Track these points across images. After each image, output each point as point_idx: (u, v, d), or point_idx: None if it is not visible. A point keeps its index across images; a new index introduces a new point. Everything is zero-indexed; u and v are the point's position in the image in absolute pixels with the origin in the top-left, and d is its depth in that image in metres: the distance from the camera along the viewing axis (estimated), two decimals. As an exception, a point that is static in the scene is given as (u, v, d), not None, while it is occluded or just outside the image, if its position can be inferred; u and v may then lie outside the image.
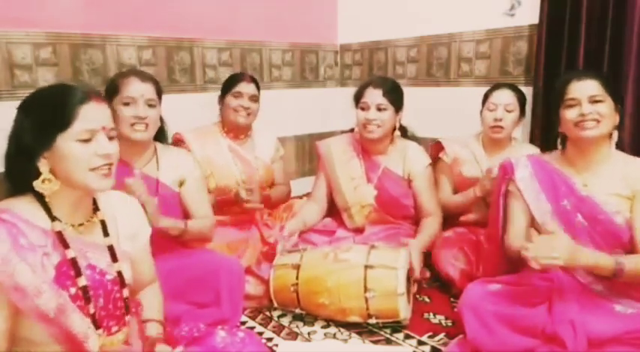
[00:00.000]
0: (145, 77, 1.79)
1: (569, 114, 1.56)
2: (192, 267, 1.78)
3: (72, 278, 1.09)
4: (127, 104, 1.72)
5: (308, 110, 3.56)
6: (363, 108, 2.21)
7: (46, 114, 1.09)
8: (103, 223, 1.21)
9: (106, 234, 1.20)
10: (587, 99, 1.54)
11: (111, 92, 1.76)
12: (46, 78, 2.37)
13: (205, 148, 2.27)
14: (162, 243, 1.77)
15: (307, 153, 3.63)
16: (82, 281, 1.10)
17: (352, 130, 2.38)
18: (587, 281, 1.56)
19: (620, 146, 1.64)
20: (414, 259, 1.93)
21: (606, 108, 1.54)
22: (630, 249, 1.53)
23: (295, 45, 3.44)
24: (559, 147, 1.70)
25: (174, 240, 1.82)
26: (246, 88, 2.29)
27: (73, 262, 1.10)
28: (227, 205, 2.24)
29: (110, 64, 2.56)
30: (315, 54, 3.59)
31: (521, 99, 2.28)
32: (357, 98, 2.25)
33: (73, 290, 1.09)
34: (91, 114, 1.10)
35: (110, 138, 1.14)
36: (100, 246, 1.19)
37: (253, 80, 2.35)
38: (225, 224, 2.21)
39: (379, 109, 2.18)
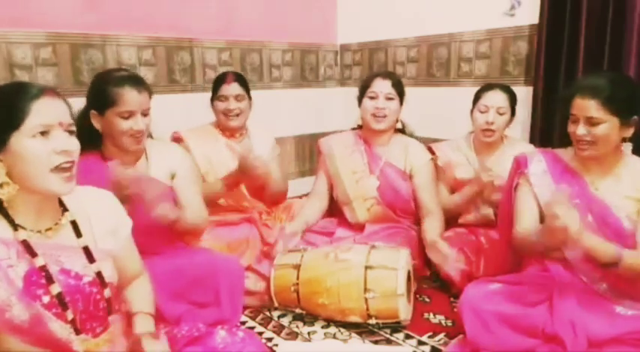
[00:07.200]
0: (140, 87, 1.67)
1: (570, 129, 1.56)
2: (192, 267, 1.78)
3: (44, 287, 1.04)
4: (124, 117, 1.64)
5: (308, 110, 3.56)
6: (371, 98, 2.23)
7: None
8: (73, 224, 1.14)
9: (78, 234, 1.14)
10: (584, 120, 1.50)
11: (105, 103, 1.63)
12: (46, 78, 2.37)
13: (203, 146, 2.27)
14: (162, 242, 1.78)
15: (307, 153, 3.62)
16: (56, 289, 1.05)
17: (353, 129, 2.39)
18: (590, 281, 1.55)
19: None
20: (442, 248, 1.97)
21: (606, 129, 1.48)
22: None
23: (295, 45, 3.43)
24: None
25: (173, 238, 1.83)
26: (228, 89, 2.25)
27: (43, 270, 1.04)
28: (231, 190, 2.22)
29: (110, 64, 2.56)
30: (315, 54, 3.58)
31: (513, 100, 2.27)
32: (364, 88, 2.27)
33: (46, 298, 1.04)
34: (46, 109, 1.03)
35: (69, 133, 1.07)
36: (73, 248, 1.12)
37: (237, 79, 2.28)
38: (225, 224, 2.21)
39: (388, 99, 2.22)
